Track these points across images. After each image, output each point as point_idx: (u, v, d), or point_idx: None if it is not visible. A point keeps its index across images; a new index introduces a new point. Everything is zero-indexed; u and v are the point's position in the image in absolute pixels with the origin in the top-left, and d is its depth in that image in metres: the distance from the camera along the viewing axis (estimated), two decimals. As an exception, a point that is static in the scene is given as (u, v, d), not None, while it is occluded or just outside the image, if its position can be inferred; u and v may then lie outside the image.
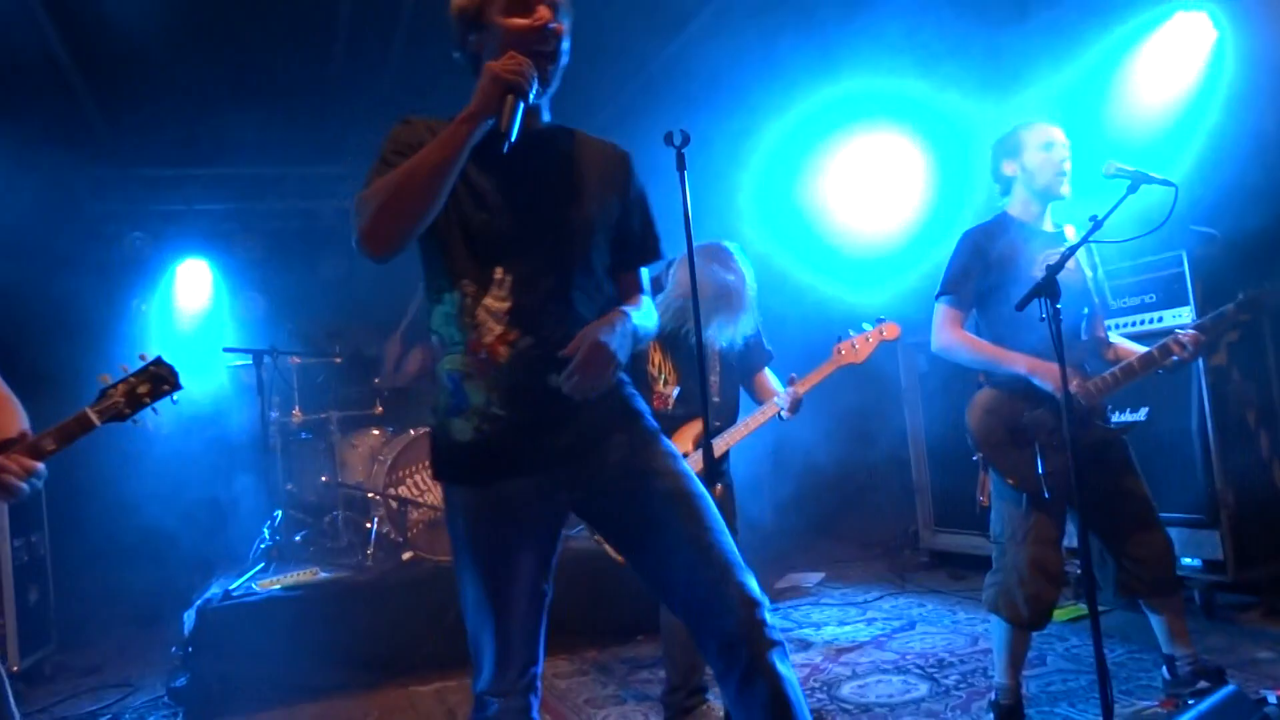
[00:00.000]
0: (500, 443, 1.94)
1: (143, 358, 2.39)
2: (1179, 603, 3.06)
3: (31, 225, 5.80)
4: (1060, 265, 2.58)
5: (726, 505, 3.40)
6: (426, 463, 5.16)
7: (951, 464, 5.40)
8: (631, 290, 2.14)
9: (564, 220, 1.98)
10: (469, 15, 2.01)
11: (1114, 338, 3.21)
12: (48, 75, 5.42)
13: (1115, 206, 2.76)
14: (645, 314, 2.09)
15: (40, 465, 2.17)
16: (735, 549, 1.90)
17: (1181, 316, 4.15)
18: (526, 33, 1.94)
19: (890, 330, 3.56)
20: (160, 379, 2.36)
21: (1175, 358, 2.90)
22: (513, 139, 1.81)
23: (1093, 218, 2.91)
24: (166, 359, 2.39)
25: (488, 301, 1.91)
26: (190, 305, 7.01)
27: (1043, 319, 2.49)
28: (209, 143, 6.44)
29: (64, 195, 6.40)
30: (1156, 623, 3.06)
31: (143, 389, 2.34)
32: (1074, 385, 2.92)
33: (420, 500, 5.06)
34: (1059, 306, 2.49)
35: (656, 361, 3.55)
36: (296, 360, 5.80)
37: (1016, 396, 2.99)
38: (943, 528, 5.70)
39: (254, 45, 5.44)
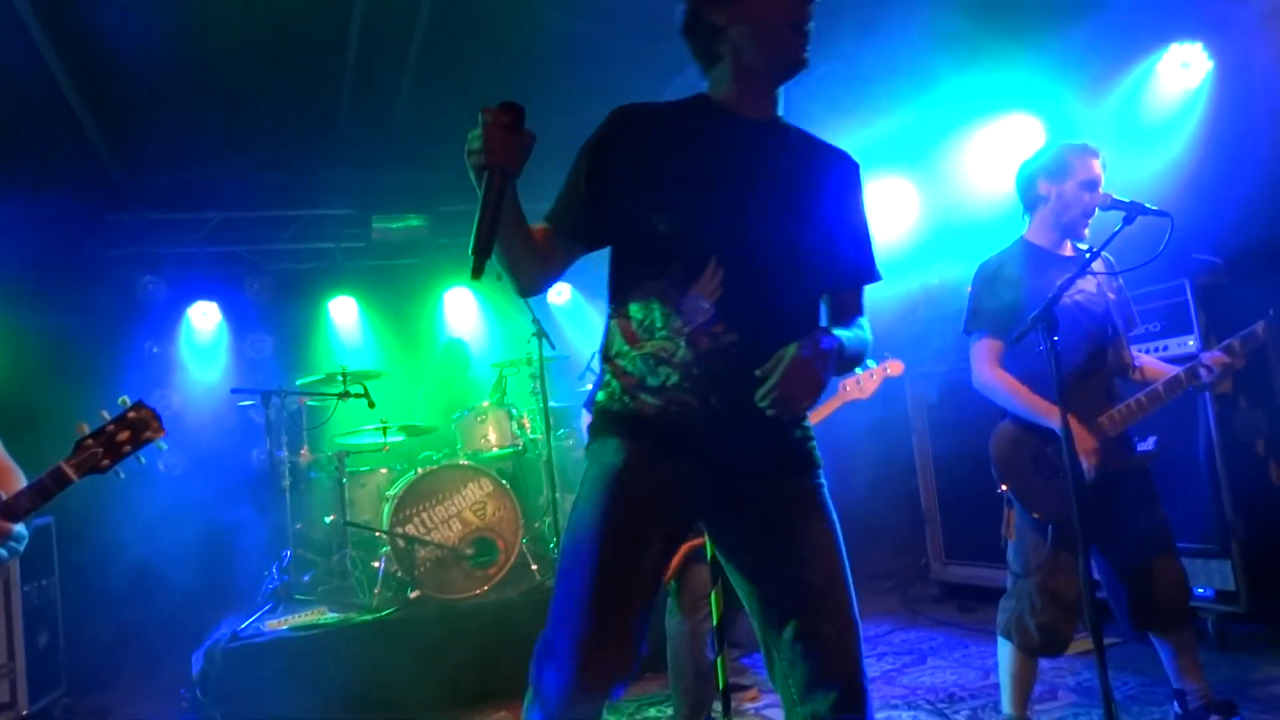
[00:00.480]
0: (682, 424, 1.85)
1: (123, 402, 2.23)
2: (1191, 636, 3.02)
3: (45, 269, 5.88)
4: (1056, 298, 2.59)
5: None
6: (433, 501, 5.18)
7: (962, 495, 5.38)
8: (850, 309, 2.05)
9: (791, 222, 1.91)
10: None
11: (1142, 358, 3.17)
12: (60, 119, 5.51)
13: (1111, 238, 2.78)
14: (857, 336, 1.97)
15: (15, 527, 2.04)
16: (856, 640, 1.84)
17: (1187, 345, 4.15)
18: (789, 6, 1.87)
19: (894, 367, 3.58)
20: (142, 425, 2.21)
21: (1204, 380, 2.88)
22: (481, 251, 1.66)
23: (1090, 248, 2.94)
24: (149, 402, 2.24)
25: (696, 290, 1.84)
26: (200, 347, 7.09)
27: (1042, 350, 2.49)
28: (219, 186, 6.55)
29: (76, 239, 6.49)
30: (1166, 656, 3.03)
31: (123, 436, 2.19)
32: (1101, 420, 2.93)
33: (427, 539, 5.07)
34: (1055, 337, 2.49)
35: None
36: (304, 400, 5.84)
37: (1040, 429, 2.97)
38: (954, 560, 5.65)
39: (262, 88, 5.54)
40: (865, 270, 2.06)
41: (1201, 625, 4.02)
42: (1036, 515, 2.94)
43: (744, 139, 1.91)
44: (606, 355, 1.97)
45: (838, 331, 1.84)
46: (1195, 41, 4.22)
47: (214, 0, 4.70)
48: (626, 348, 1.91)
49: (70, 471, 2.14)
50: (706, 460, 1.87)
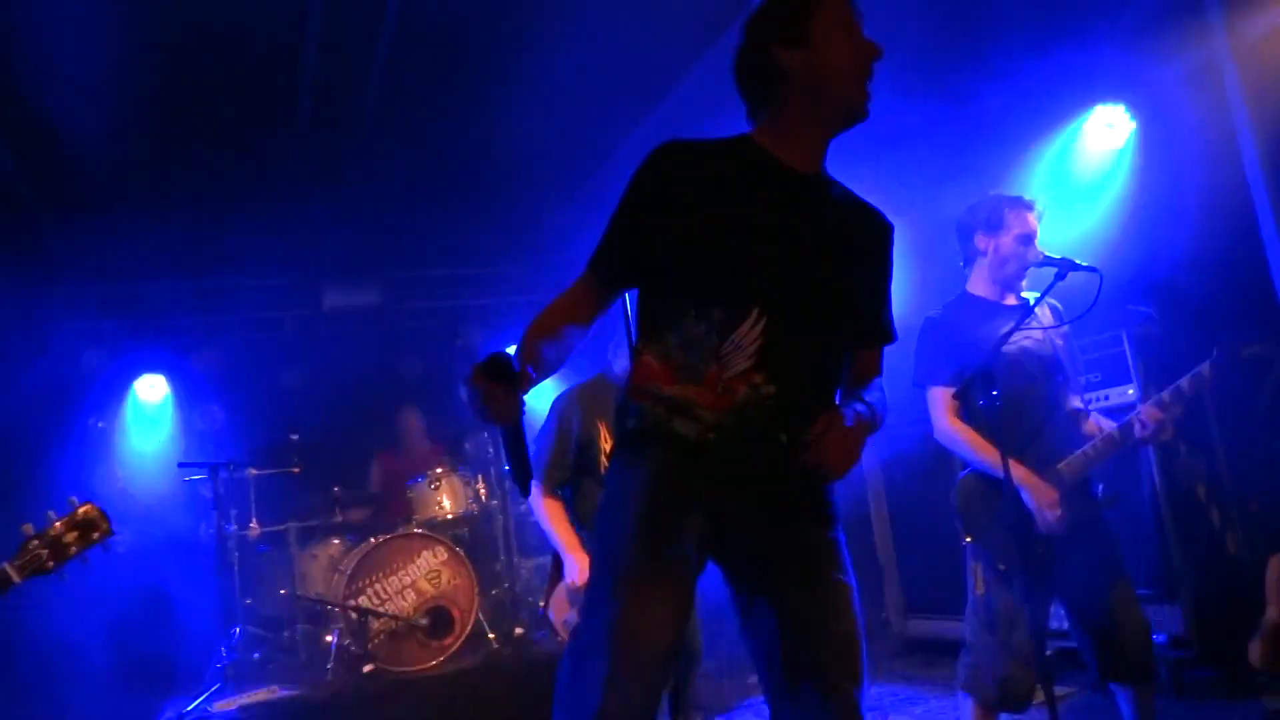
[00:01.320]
0: (718, 455, 1.82)
1: (71, 502, 2.22)
2: (1151, 687, 3.03)
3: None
4: (995, 352, 2.64)
5: None
6: (386, 571, 5.09)
7: (920, 549, 5.40)
8: (871, 369, 2.05)
9: (832, 278, 1.90)
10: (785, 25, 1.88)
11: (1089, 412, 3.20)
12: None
13: (1046, 292, 2.86)
14: (881, 399, 1.98)
15: None
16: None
17: (1127, 394, 4.24)
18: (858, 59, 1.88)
19: None
20: (90, 525, 2.20)
21: (1138, 435, 2.89)
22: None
23: (1024, 303, 3.01)
24: (99, 504, 2.23)
25: (738, 335, 1.80)
26: (148, 420, 6.95)
27: (981, 404, 2.53)
28: (167, 256, 6.49)
29: (17, 314, 6.38)
30: (1127, 708, 3.02)
31: (70, 537, 2.17)
32: (1060, 466, 2.96)
33: (381, 610, 4.97)
34: (994, 391, 2.54)
35: (608, 451, 3.53)
36: (255, 472, 5.74)
37: (1001, 480, 2.97)
38: (915, 613, 5.66)
39: (210, 157, 5.52)
40: (887, 331, 2.07)
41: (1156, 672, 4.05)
42: (1001, 567, 2.95)
43: (792, 189, 1.89)
44: (634, 390, 1.91)
45: (868, 397, 1.89)
46: (1118, 103, 4.40)
47: (164, 69, 4.71)
48: (654, 386, 1.86)
49: (14, 573, 2.12)
50: (737, 491, 1.84)
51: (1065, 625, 3.06)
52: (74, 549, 2.18)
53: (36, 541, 2.16)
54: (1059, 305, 3.21)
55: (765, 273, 1.84)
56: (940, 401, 3.06)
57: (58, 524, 2.18)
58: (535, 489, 3.50)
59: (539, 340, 1.87)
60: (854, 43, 1.88)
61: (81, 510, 2.21)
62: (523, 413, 1.75)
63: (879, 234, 2.03)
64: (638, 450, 1.87)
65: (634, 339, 1.99)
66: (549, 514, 3.48)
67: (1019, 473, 2.86)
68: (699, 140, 1.94)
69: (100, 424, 6.76)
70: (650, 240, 1.89)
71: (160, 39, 4.36)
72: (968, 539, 3.05)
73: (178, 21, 4.24)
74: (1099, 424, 3.11)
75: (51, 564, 2.16)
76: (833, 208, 1.95)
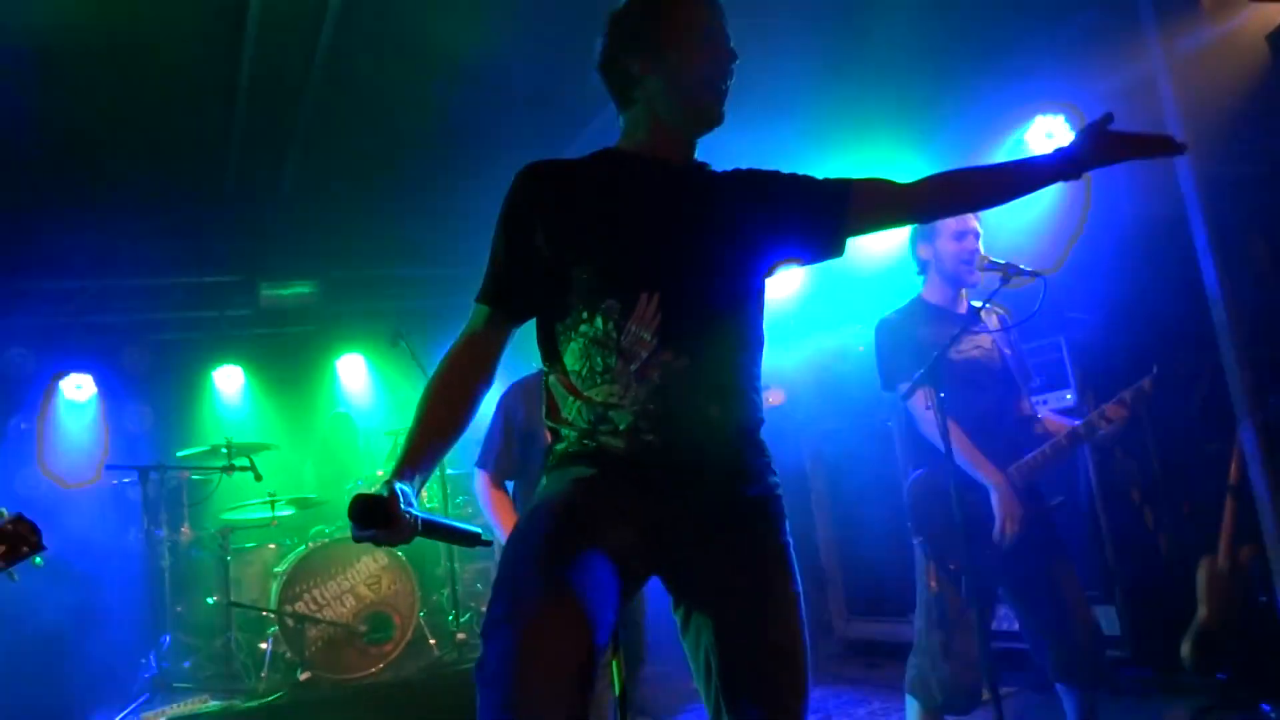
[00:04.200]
0: (647, 461, 1.76)
1: (0, 514, 2.15)
2: (1099, 689, 3.08)
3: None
4: (941, 356, 2.67)
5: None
6: (324, 577, 4.98)
7: (863, 551, 5.44)
8: (910, 185, 1.95)
9: (716, 237, 1.87)
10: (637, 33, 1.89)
11: (1042, 413, 3.28)
12: None
13: (991, 296, 2.91)
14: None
15: None
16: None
17: (1065, 398, 4.34)
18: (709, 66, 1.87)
19: (775, 396, 3.57)
20: (19, 539, 2.14)
21: (1100, 432, 2.98)
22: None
23: (970, 308, 3.05)
24: (28, 515, 2.16)
25: (634, 320, 1.77)
26: (74, 421, 6.71)
27: (928, 408, 2.56)
28: (95, 254, 6.26)
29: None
30: (1071, 708, 3.06)
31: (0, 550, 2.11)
32: (1010, 470, 3.00)
33: (318, 616, 4.85)
34: (941, 394, 2.56)
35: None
36: (186, 474, 5.57)
37: (960, 480, 2.97)
38: (857, 616, 5.70)
39: (144, 156, 5.38)
40: (835, 190, 1.96)
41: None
42: (952, 567, 2.98)
43: (658, 177, 1.89)
44: (552, 416, 1.88)
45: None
46: (1058, 114, 4.48)
47: (93, 68, 4.55)
48: (571, 400, 1.82)
49: None
50: (673, 497, 1.79)
51: (1004, 626, 3.10)
52: (1, 563, 2.12)
53: None
54: (1006, 312, 3.27)
55: (645, 257, 1.82)
56: (919, 401, 3.04)
57: None
58: (482, 478, 3.45)
59: (441, 410, 1.81)
60: (705, 49, 1.87)
61: (10, 524, 2.14)
62: (418, 522, 1.65)
63: (748, 173, 2.00)
64: (563, 469, 1.82)
65: (544, 367, 1.93)
66: (495, 505, 3.43)
67: (994, 477, 2.92)
68: (560, 159, 1.94)
69: (24, 425, 6.51)
70: (530, 259, 1.85)
71: (93, 32, 4.21)
72: (917, 539, 3.08)
73: (116, 14, 4.10)
74: (1058, 421, 3.18)
75: None
76: (706, 184, 1.95)
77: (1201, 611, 3.54)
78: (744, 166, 2.03)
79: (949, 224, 3.13)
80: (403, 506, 1.63)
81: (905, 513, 3.14)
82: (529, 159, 1.94)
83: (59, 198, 5.63)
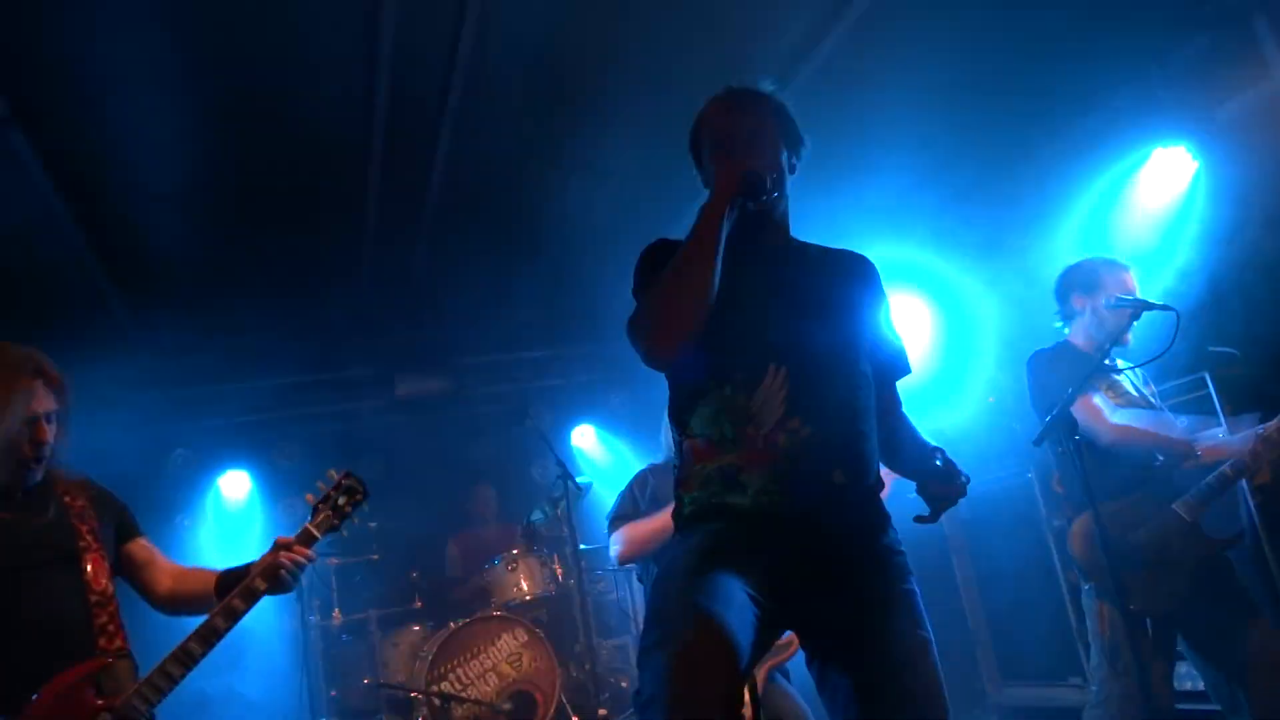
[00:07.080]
0: (776, 515, 1.85)
1: (331, 475, 2.58)
2: None
3: (76, 450, 5.95)
4: (1071, 401, 2.61)
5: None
6: (467, 656, 5.08)
7: (1012, 611, 5.22)
8: (894, 404, 2.13)
9: (835, 315, 2.00)
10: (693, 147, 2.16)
11: (1201, 447, 3.14)
12: (84, 294, 5.62)
13: (1118, 335, 2.82)
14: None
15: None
16: None
17: (1216, 436, 4.11)
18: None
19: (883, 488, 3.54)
20: (352, 490, 2.56)
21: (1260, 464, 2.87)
22: (761, 203, 1.91)
23: (1103, 349, 2.97)
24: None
25: (762, 391, 1.89)
26: (232, 516, 7.10)
27: (1061, 451, 2.49)
28: (245, 355, 6.70)
29: (106, 416, 6.61)
30: None
31: (341, 500, 2.54)
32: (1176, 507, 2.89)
33: (463, 695, 4.94)
34: (1076, 437, 2.50)
35: None
36: (335, 561, 5.82)
37: (1115, 521, 2.89)
38: (1010, 681, 5.44)
39: (282, 252, 5.69)
40: (902, 363, 2.13)
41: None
42: (1133, 608, 2.83)
43: (769, 255, 2.03)
44: (682, 480, 1.98)
45: (927, 441, 2.01)
46: (1178, 144, 4.35)
47: (237, 182, 4.92)
48: (699, 465, 1.93)
49: (314, 530, 2.51)
50: (799, 551, 1.85)
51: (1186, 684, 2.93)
52: (347, 508, 2.54)
53: (321, 504, 2.53)
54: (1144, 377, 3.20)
55: (771, 332, 1.94)
56: (1086, 407, 2.94)
57: (329, 491, 2.55)
58: (617, 533, 3.50)
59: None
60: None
61: (342, 478, 2.57)
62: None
63: (865, 271, 2.13)
64: (692, 527, 1.92)
65: (674, 435, 2.04)
66: (636, 527, 3.44)
67: (1198, 445, 2.89)
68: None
69: (187, 522, 6.92)
70: None
71: (235, 148, 4.57)
72: (1088, 585, 2.96)
73: (253, 131, 4.46)
74: (1214, 449, 3.03)
75: (337, 522, 2.54)
76: (813, 258, 2.10)
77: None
78: (844, 248, 2.17)
79: (1112, 281, 3.10)
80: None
81: (1065, 563, 3.03)
82: (639, 239, 2.07)
83: (210, 302, 5.99)
